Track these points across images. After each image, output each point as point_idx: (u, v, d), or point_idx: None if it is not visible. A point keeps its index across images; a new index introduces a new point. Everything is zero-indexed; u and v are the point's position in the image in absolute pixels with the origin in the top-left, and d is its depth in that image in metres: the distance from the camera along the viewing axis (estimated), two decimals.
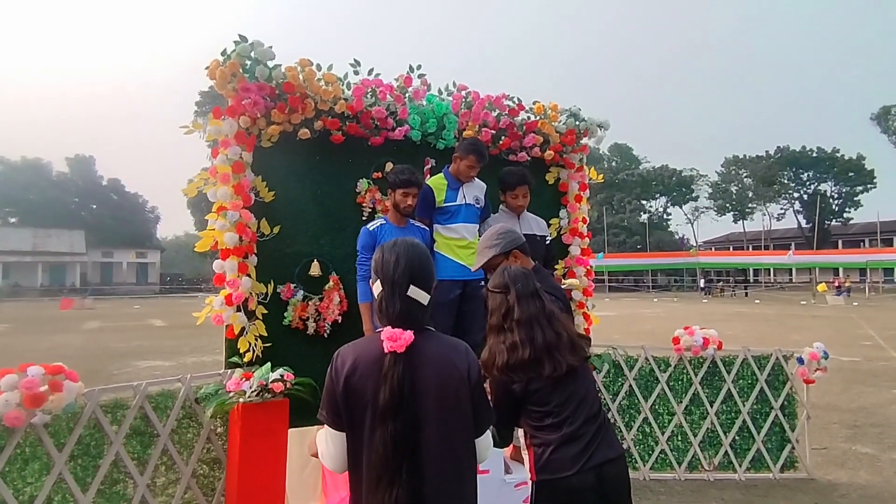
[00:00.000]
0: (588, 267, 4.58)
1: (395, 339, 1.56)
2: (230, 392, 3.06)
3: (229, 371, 3.31)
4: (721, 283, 43.98)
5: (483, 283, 3.74)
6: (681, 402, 4.55)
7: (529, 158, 4.42)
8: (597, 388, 2.46)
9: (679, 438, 4.57)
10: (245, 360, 3.35)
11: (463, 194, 3.64)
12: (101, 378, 9.32)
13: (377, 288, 1.68)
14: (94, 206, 62.49)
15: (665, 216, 69.20)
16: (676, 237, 68.85)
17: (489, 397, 1.92)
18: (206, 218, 3.48)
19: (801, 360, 4.55)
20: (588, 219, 4.69)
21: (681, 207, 68.38)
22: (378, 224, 3.46)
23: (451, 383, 1.62)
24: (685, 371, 4.57)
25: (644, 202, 65.82)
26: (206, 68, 3.43)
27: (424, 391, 1.58)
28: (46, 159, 62.27)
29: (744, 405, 4.55)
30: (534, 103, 4.46)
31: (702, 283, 45.79)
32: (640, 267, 52.05)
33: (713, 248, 66.59)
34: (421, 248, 1.74)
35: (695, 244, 65.21)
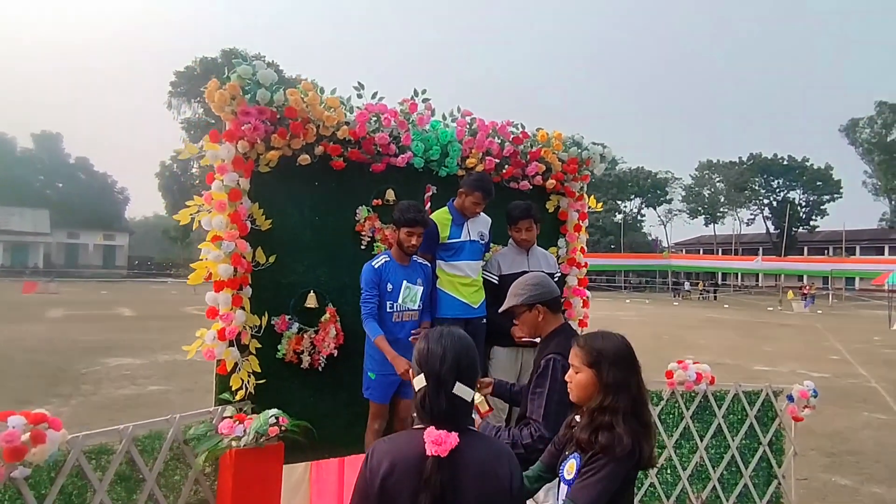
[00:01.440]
0: (585, 298, 4.54)
1: (439, 442, 1.46)
2: (222, 435, 2.92)
3: (219, 409, 3.16)
4: (700, 290, 44.83)
5: (484, 320, 3.68)
6: (671, 435, 4.55)
7: (531, 187, 4.34)
8: None
9: (668, 472, 4.56)
10: (237, 397, 3.21)
11: (467, 230, 3.55)
12: (69, 378, 9.03)
13: (419, 382, 1.58)
14: (61, 185, 60.67)
15: (639, 217, 70.22)
16: (650, 238, 69.93)
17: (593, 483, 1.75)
18: (199, 247, 3.31)
19: (790, 398, 4.58)
20: (586, 248, 4.64)
21: (654, 209, 69.41)
22: (382, 261, 3.35)
23: (491, 494, 1.53)
24: (677, 405, 4.57)
25: (619, 202, 66.57)
26: (204, 89, 3.26)
27: (463, 498, 1.49)
28: (10, 134, 60.20)
29: (733, 440, 4.57)
30: (537, 130, 4.37)
31: (686, 285, 46.61)
32: (614, 267, 52.72)
33: (684, 251, 67.76)
34: (467, 341, 1.65)
35: (667, 246, 66.36)
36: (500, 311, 2.65)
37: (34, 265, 49.44)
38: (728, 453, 4.57)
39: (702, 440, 4.55)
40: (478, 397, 2.71)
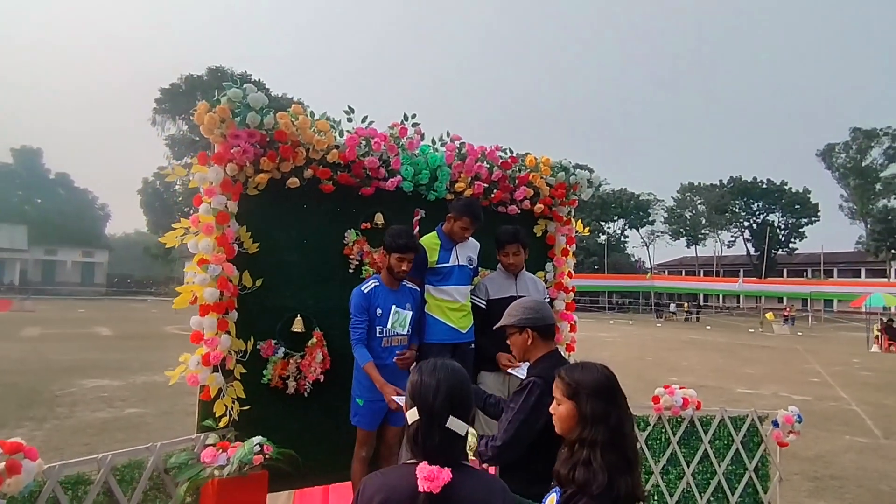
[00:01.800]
0: (572, 322, 4.54)
1: (431, 478, 1.44)
2: (204, 464, 2.85)
3: (202, 436, 3.09)
4: (685, 311, 45.02)
5: (472, 345, 3.66)
6: (658, 461, 4.54)
7: (519, 211, 4.36)
8: None
9: (655, 498, 4.54)
10: (220, 424, 3.14)
11: (456, 255, 3.55)
12: (44, 400, 8.79)
13: (412, 415, 1.55)
14: (39, 201, 59.64)
15: (623, 238, 70.83)
16: (633, 259, 70.55)
17: None
18: (185, 269, 3.27)
19: (776, 423, 4.60)
20: (573, 272, 4.66)
21: (637, 230, 70.12)
22: (372, 286, 3.32)
23: None
24: (664, 430, 4.56)
25: (603, 224, 67.20)
26: (193, 112, 3.24)
27: None
28: None
29: (719, 466, 4.57)
30: (525, 155, 4.41)
31: (673, 307, 46.77)
32: (598, 288, 52.99)
33: (666, 272, 68.48)
34: (462, 374, 1.63)
35: (650, 267, 67.00)
36: (494, 328, 2.67)
37: (10, 282, 48.39)
38: (714, 479, 4.56)
39: (688, 466, 4.54)
40: (471, 434, 2.70)
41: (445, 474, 1.46)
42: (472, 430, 1.93)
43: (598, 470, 1.68)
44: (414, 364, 2.52)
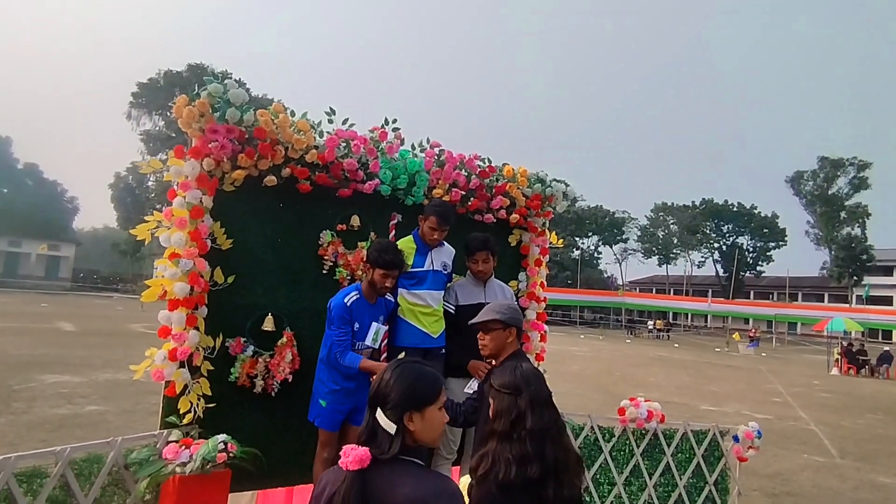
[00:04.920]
0: (543, 332, 4.59)
1: (346, 454, 1.45)
2: (166, 460, 2.81)
3: (165, 433, 3.04)
4: (658, 329, 45.37)
5: (443, 350, 3.68)
6: (622, 472, 4.60)
7: (495, 220, 4.40)
8: None
9: None
10: (184, 420, 3.10)
11: (431, 260, 3.57)
12: (0, 395, 8.50)
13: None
14: (6, 191, 57.88)
15: (596, 254, 71.69)
16: (605, 276, 71.39)
17: None
18: (155, 264, 3.23)
19: (736, 438, 4.71)
20: (545, 283, 4.71)
21: (611, 247, 71.09)
22: (354, 298, 3.29)
23: None
24: (628, 442, 4.63)
25: (577, 239, 67.95)
26: (172, 104, 3.21)
27: None
28: None
29: (681, 478, 4.65)
30: (503, 165, 4.46)
31: (650, 324, 46.92)
32: (570, 303, 53.49)
33: (638, 289, 69.45)
34: (422, 370, 1.64)
35: (622, 283, 67.86)
36: (472, 322, 2.73)
37: None
38: (675, 492, 4.64)
39: (650, 478, 4.61)
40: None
41: (362, 451, 1.46)
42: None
43: (496, 459, 1.81)
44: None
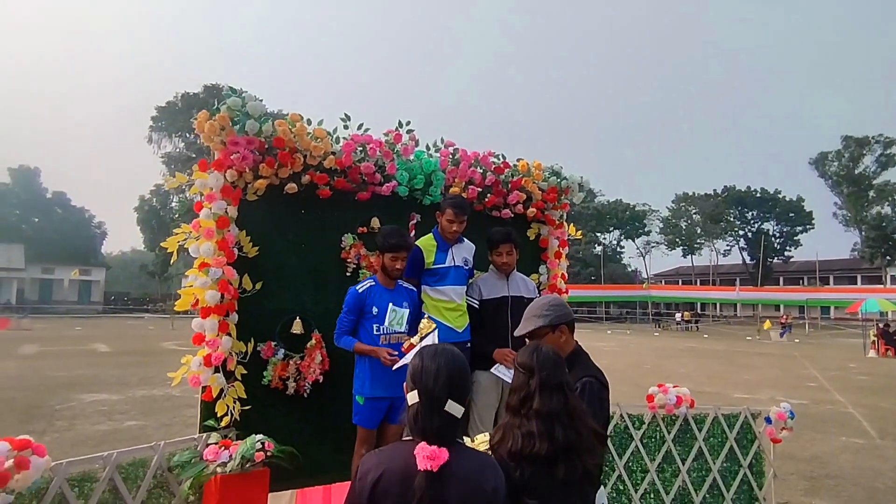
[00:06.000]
0: None
1: (433, 457, 1.51)
2: (207, 461, 2.91)
3: (204, 436, 3.16)
4: (685, 321, 44.54)
5: (468, 344, 3.74)
6: (654, 459, 4.59)
7: (513, 215, 4.46)
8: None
9: (652, 496, 4.59)
10: (222, 423, 3.21)
11: (452, 256, 3.63)
12: (43, 414, 8.79)
13: (413, 398, 1.64)
14: (37, 220, 59.65)
15: (618, 249, 71.03)
16: (629, 270, 70.67)
17: None
18: (186, 274, 3.35)
19: (768, 420, 4.67)
20: (567, 275, 4.74)
21: (633, 241, 70.34)
22: (367, 285, 3.40)
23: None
24: (658, 429, 4.63)
25: (599, 234, 67.44)
26: (194, 122, 3.34)
27: None
28: None
29: (714, 463, 4.63)
30: (518, 160, 4.52)
31: (678, 317, 46.00)
32: (595, 299, 53.03)
33: (663, 282, 68.64)
34: (460, 360, 1.71)
35: (646, 277, 67.10)
36: (517, 334, 2.58)
37: (6, 301, 48.18)
38: (710, 476, 4.62)
39: (683, 464, 4.61)
40: (415, 339, 3.05)
41: (444, 454, 1.54)
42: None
43: (507, 431, 1.93)
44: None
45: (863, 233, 58.64)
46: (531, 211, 4.52)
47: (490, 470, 1.66)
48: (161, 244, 3.51)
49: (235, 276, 3.34)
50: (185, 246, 3.33)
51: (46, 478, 2.59)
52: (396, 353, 3.23)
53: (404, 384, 1.71)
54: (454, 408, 1.63)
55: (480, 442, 2.05)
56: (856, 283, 56.57)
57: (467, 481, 1.58)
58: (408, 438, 1.63)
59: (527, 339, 2.54)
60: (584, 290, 52.02)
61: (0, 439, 2.41)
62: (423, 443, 1.57)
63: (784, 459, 6.77)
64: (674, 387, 4.72)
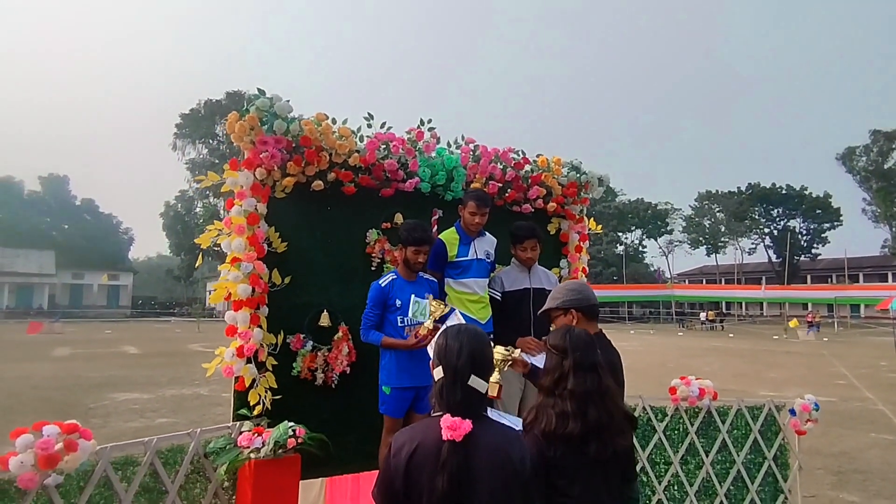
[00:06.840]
0: None
1: (454, 427, 1.60)
2: (241, 447, 3.03)
3: (238, 424, 3.28)
4: (710, 320, 43.81)
5: (492, 335, 3.81)
6: (677, 451, 4.61)
7: (533, 210, 4.52)
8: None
9: (675, 488, 4.61)
10: (255, 412, 3.33)
11: (474, 249, 3.71)
12: (78, 413, 9.06)
13: (438, 373, 1.73)
14: (66, 227, 61.27)
15: (640, 248, 70.33)
16: (651, 269, 69.92)
17: None
18: (219, 269, 3.49)
19: (793, 412, 4.66)
20: (588, 269, 4.79)
21: (656, 240, 69.58)
22: (390, 279, 3.49)
23: (503, 474, 1.65)
24: (681, 421, 4.65)
25: (620, 234, 66.87)
26: (224, 120, 3.47)
27: (478, 479, 1.62)
28: (18, 178, 61.25)
29: (738, 455, 4.63)
30: (537, 156, 4.58)
31: (702, 316, 45.30)
32: (618, 299, 52.64)
33: (687, 281, 67.74)
34: (483, 338, 1.80)
35: (669, 276, 66.32)
36: (538, 312, 2.72)
37: (39, 306, 49.53)
38: (734, 468, 4.62)
39: (707, 455, 4.62)
40: (494, 377, 2.90)
41: (466, 425, 1.63)
42: (494, 375, 2.21)
43: (540, 411, 1.98)
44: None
45: (893, 229, 57.23)
46: (551, 206, 4.58)
47: (517, 442, 1.74)
48: (195, 240, 3.65)
49: (265, 271, 3.46)
50: (218, 242, 3.46)
51: (92, 461, 2.74)
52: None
53: (430, 362, 1.80)
54: (478, 382, 1.71)
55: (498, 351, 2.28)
56: (886, 281, 55.28)
57: (495, 453, 1.66)
58: (437, 414, 1.71)
59: (550, 328, 2.62)
60: (607, 290, 51.62)
61: (50, 423, 2.56)
62: (447, 415, 1.65)
63: (811, 455, 6.71)
64: (696, 379, 4.73)
